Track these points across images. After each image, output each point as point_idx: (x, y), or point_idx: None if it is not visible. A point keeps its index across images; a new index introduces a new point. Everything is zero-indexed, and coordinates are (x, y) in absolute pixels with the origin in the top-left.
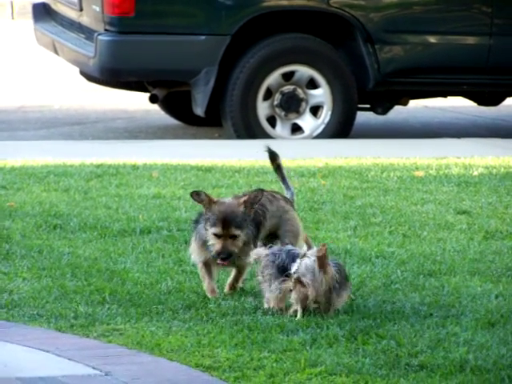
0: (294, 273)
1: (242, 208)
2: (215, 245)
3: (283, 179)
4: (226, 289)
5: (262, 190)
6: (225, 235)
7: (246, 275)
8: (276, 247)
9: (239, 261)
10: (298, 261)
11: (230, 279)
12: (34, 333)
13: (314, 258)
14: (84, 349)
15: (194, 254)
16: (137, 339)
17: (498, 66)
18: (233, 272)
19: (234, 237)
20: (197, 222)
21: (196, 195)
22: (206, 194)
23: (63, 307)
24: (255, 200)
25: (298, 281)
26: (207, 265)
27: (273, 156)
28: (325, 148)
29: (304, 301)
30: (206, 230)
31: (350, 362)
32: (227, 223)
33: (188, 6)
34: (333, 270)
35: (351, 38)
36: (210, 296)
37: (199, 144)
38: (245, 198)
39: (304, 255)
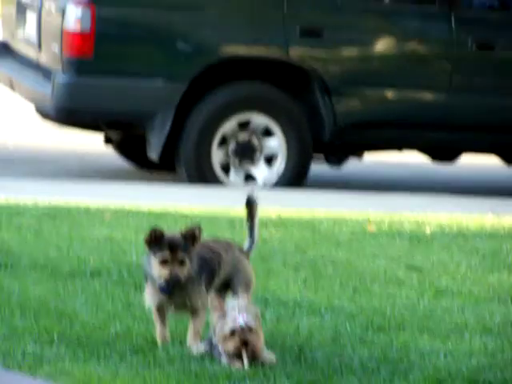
0: (244, 325)
1: (181, 237)
2: (163, 272)
3: (251, 229)
4: (189, 342)
5: (199, 227)
6: (172, 260)
7: (203, 322)
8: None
9: (192, 301)
10: (237, 313)
11: (190, 331)
12: None
13: (249, 306)
14: None
15: (148, 298)
16: (84, 381)
17: (455, 122)
18: (190, 322)
19: (182, 262)
20: (145, 265)
21: (153, 231)
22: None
23: (11, 346)
24: (194, 233)
25: (250, 330)
26: (160, 309)
27: (251, 203)
28: (278, 198)
29: (262, 346)
30: (152, 261)
31: None
32: (174, 248)
33: (147, 51)
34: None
35: (309, 88)
36: (159, 343)
37: (152, 188)
38: (183, 231)
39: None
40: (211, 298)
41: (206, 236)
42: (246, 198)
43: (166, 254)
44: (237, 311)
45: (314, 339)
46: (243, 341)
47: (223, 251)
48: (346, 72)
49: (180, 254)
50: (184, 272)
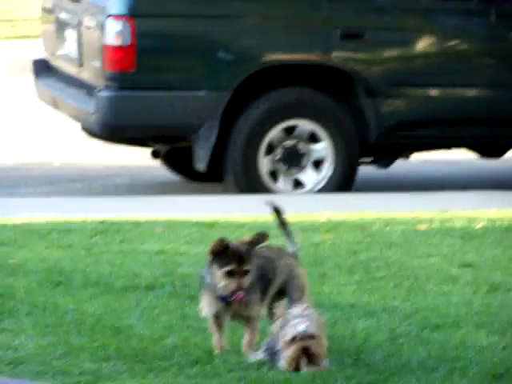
0: (304, 331)
1: (247, 246)
2: (229, 284)
3: (288, 235)
4: (244, 349)
5: (265, 234)
6: (239, 272)
7: (258, 330)
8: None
9: (248, 310)
10: (298, 320)
11: (245, 339)
12: None
13: (312, 313)
14: None
15: (205, 307)
16: None
17: (499, 117)
18: (245, 330)
19: (247, 272)
20: (204, 275)
21: (220, 241)
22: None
23: (69, 364)
24: (259, 242)
25: (311, 336)
26: (217, 318)
27: (277, 211)
28: (327, 202)
29: (323, 353)
30: (216, 272)
31: None
32: (241, 259)
33: (189, 62)
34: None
35: (352, 91)
36: (217, 352)
37: (201, 199)
38: (249, 238)
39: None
40: (276, 306)
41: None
42: (270, 208)
43: (234, 265)
44: (298, 318)
45: (371, 341)
46: (303, 347)
47: (277, 259)
48: (388, 72)
49: (246, 266)
50: (248, 282)
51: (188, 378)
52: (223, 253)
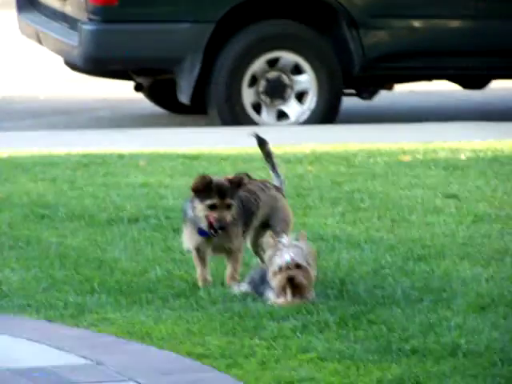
0: (290, 261)
1: (229, 184)
2: (210, 216)
3: (273, 167)
4: (227, 281)
5: (247, 175)
6: (221, 205)
7: (241, 263)
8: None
9: (229, 243)
10: (285, 250)
11: (228, 271)
12: (23, 323)
13: (301, 245)
14: (74, 338)
15: (187, 241)
16: (127, 328)
17: (482, 48)
18: (227, 263)
19: (229, 206)
20: (186, 209)
21: (202, 178)
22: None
23: (52, 297)
24: (240, 181)
25: (297, 266)
26: (200, 251)
27: (262, 143)
28: (311, 134)
29: (310, 283)
30: (198, 206)
31: (341, 348)
32: (222, 193)
33: None
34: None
35: (336, 23)
36: (201, 285)
37: (185, 132)
38: (230, 176)
39: (288, 246)
40: (268, 236)
41: None
42: (255, 139)
43: (215, 199)
44: (286, 248)
45: (355, 272)
46: (289, 277)
47: (260, 191)
48: (371, 4)
49: (228, 200)
50: (230, 216)
51: (172, 311)
52: (205, 188)
